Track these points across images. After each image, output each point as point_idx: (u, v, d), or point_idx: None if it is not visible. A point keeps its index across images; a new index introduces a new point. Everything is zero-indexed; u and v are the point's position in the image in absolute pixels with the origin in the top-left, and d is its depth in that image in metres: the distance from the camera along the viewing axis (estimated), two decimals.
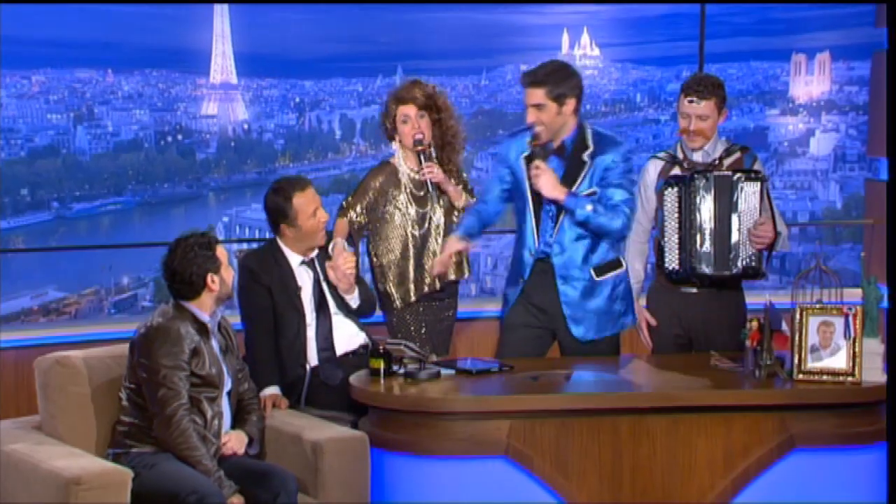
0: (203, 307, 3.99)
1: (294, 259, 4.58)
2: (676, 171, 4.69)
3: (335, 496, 3.96)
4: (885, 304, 4.47)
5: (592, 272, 4.54)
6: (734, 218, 4.56)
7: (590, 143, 4.49)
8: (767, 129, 6.72)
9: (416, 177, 4.93)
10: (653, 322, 4.76)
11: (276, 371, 4.46)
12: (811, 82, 6.72)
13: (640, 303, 4.82)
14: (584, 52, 6.57)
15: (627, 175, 4.52)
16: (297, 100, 6.29)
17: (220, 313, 4.07)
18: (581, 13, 6.53)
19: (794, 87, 6.73)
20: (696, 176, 4.57)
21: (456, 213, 4.97)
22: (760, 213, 4.57)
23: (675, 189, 4.61)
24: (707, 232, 4.57)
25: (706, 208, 4.57)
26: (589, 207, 4.42)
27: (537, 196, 4.50)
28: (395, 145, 4.97)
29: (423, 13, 6.25)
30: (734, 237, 4.57)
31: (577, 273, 4.53)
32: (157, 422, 3.83)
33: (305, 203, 4.54)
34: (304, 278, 4.58)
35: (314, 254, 4.62)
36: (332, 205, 5.67)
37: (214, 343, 4.00)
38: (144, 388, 3.86)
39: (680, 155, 4.72)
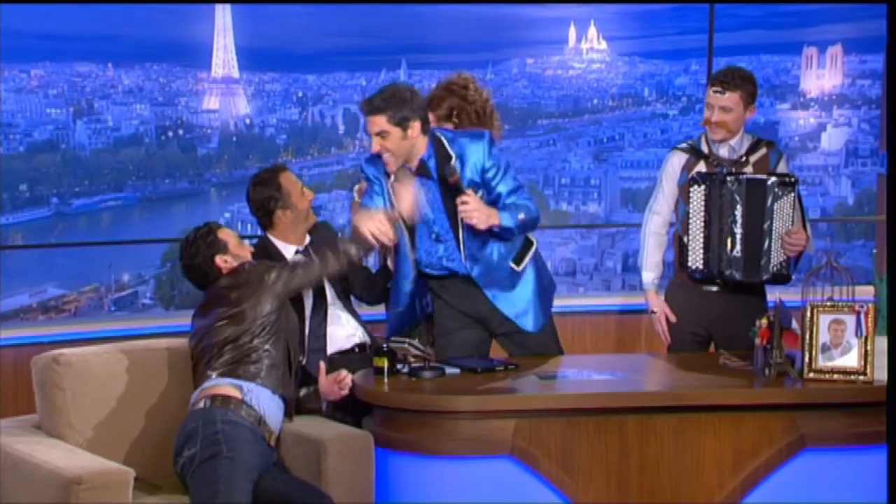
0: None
1: (288, 251, 4.52)
2: (702, 166, 4.62)
3: (339, 496, 3.93)
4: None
5: (512, 265, 4.46)
6: (766, 224, 4.51)
7: (451, 151, 4.31)
8: (778, 124, 6.69)
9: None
10: (672, 318, 4.71)
11: None
12: (823, 76, 6.68)
13: (660, 297, 4.76)
14: (590, 45, 6.54)
15: (503, 164, 4.37)
16: (300, 94, 6.26)
17: None
18: (588, 6, 6.49)
19: (805, 80, 6.70)
20: (727, 178, 4.51)
21: None
22: (793, 220, 4.51)
23: (703, 187, 4.55)
24: (738, 236, 4.52)
25: (738, 212, 4.51)
26: (521, 216, 4.32)
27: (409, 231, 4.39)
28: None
29: (427, 6, 6.22)
30: (766, 243, 4.51)
31: (500, 274, 4.44)
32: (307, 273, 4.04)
33: (292, 182, 4.52)
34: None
35: (307, 241, 4.57)
36: (336, 200, 5.64)
37: None
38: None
39: (704, 148, 4.65)
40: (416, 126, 4.27)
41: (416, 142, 4.29)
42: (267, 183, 4.50)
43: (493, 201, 4.35)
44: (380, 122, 4.24)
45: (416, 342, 4.27)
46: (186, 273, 4.13)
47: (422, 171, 4.33)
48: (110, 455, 3.89)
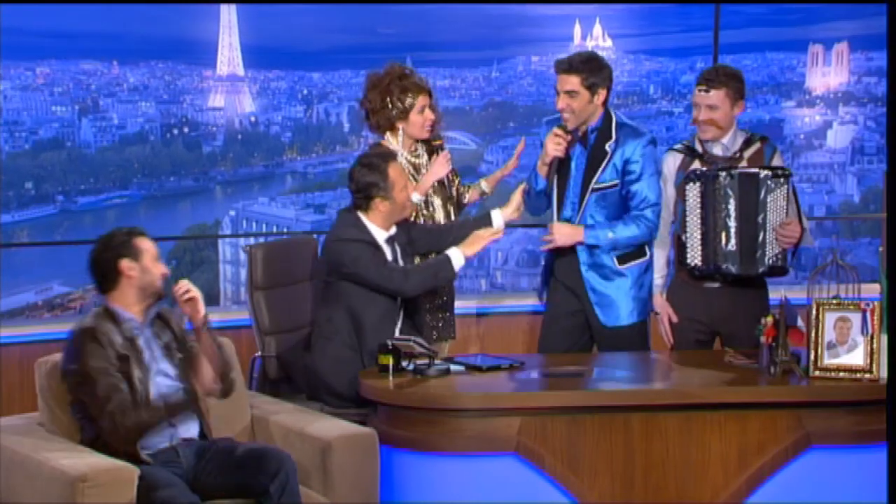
0: (127, 303, 3.85)
1: (380, 235, 4.51)
2: (697, 165, 4.63)
3: (344, 493, 3.93)
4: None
5: (615, 260, 4.63)
6: (760, 217, 4.51)
7: (613, 133, 4.60)
8: (783, 122, 6.67)
9: (416, 161, 4.85)
10: (674, 318, 4.70)
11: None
12: (828, 73, 6.67)
13: (663, 297, 4.75)
14: (596, 42, 6.52)
15: (649, 168, 4.61)
16: (305, 92, 6.26)
17: (154, 311, 3.92)
18: (593, 4, 6.47)
19: (810, 78, 6.68)
20: (720, 173, 4.51)
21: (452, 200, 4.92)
22: (787, 213, 4.50)
23: (697, 184, 4.55)
24: (732, 230, 4.52)
25: (731, 206, 4.51)
26: (610, 235, 4.58)
27: (562, 182, 4.64)
28: (388, 133, 4.84)
29: (432, 4, 6.21)
30: (760, 236, 4.51)
31: (600, 260, 4.63)
32: (109, 432, 3.73)
33: (398, 173, 4.50)
34: (388, 256, 4.53)
35: (393, 230, 4.55)
36: (342, 198, 5.62)
37: (143, 344, 3.86)
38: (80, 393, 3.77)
39: (698, 147, 4.66)
40: (602, 95, 4.56)
41: (596, 109, 4.59)
42: (375, 169, 4.46)
43: (625, 198, 4.59)
44: (573, 81, 4.52)
45: (420, 340, 4.25)
46: (89, 267, 3.89)
47: (582, 139, 4.61)
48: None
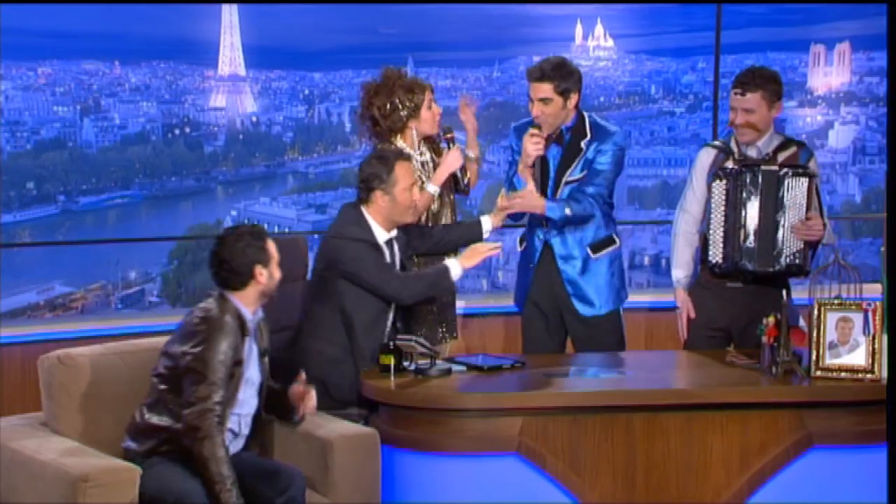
0: (247, 302, 3.88)
1: (381, 234, 4.48)
2: (729, 163, 4.62)
3: (345, 493, 3.94)
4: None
5: (588, 250, 4.71)
6: (780, 214, 4.50)
7: (588, 131, 4.68)
8: (785, 122, 6.66)
9: (423, 159, 4.84)
10: (692, 314, 4.69)
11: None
12: (830, 73, 6.67)
13: (685, 292, 4.74)
14: (597, 42, 6.53)
15: (611, 164, 4.69)
16: (307, 92, 6.26)
17: (260, 313, 3.97)
18: (595, 3, 6.47)
19: (812, 78, 6.68)
20: (744, 170, 4.51)
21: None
22: (808, 210, 4.49)
23: (724, 182, 4.56)
24: (752, 227, 4.52)
25: (752, 203, 4.52)
26: (568, 211, 4.62)
27: (543, 180, 4.70)
28: (398, 137, 4.84)
29: (433, 4, 6.21)
30: (779, 233, 4.50)
31: (575, 252, 4.72)
32: (188, 418, 3.72)
33: (405, 174, 4.46)
34: (387, 258, 4.52)
35: (394, 233, 4.53)
36: (343, 199, 5.62)
37: (247, 345, 3.89)
38: (183, 378, 3.77)
39: (734, 147, 4.65)
40: (574, 99, 4.65)
41: (570, 113, 4.67)
42: (383, 161, 4.47)
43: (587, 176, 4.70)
44: (546, 89, 4.60)
45: (422, 339, 4.25)
46: (218, 265, 3.87)
47: (557, 139, 4.70)
48: (117, 453, 3.88)
